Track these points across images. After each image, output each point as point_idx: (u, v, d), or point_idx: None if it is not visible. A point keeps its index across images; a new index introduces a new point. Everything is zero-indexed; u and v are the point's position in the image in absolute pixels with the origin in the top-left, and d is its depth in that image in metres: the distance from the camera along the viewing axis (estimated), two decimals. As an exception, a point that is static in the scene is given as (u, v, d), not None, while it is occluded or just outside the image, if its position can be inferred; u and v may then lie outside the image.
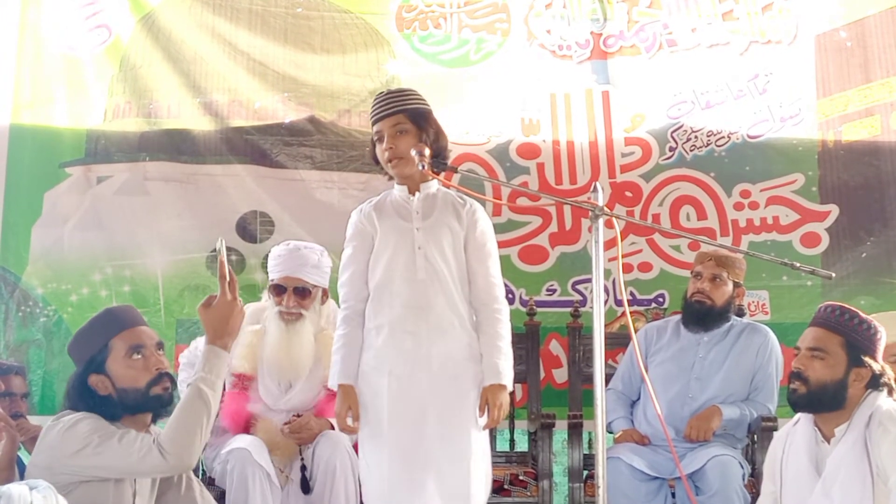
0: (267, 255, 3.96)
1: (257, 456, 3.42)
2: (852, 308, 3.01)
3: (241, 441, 3.50)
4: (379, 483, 3.05)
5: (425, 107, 3.20)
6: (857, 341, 2.94)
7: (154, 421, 2.95)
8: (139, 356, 2.89)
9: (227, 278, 2.84)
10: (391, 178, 3.25)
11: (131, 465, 2.76)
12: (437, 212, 3.19)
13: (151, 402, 2.89)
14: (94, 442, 2.74)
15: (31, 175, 4.79)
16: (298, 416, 3.60)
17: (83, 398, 2.85)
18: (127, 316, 3.00)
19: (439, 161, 3.11)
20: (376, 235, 3.16)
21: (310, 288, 3.71)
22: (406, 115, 3.14)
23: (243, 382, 3.67)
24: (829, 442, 2.95)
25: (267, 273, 3.87)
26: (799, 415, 3.08)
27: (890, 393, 2.96)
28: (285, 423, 3.58)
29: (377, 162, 3.21)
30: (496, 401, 3.04)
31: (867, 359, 2.93)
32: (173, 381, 2.95)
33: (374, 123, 3.17)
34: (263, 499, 3.41)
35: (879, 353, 2.98)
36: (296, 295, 3.68)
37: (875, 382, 2.94)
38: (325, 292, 3.81)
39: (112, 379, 2.86)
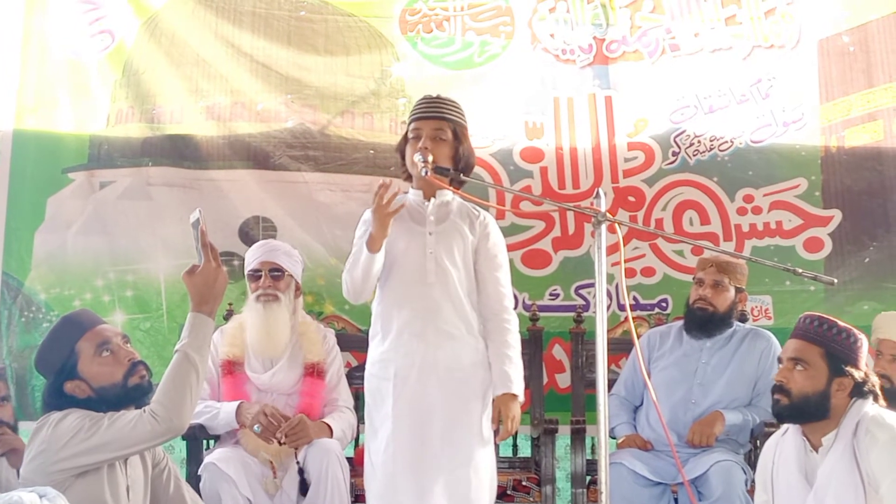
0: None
1: (225, 468, 3.48)
2: (830, 318, 3.00)
3: (213, 455, 3.59)
4: (383, 486, 3.06)
5: (465, 124, 3.25)
6: (837, 351, 2.94)
7: None
8: (108, 352, 2.90)
9: (209, 246, 2.85)
10: (407, 177, 3.26)
11: (125, 437, 2.76)
12: (451, 219, 3.22)
13: (132, 394, 2.90)
14: (86, 426, 2.76)
15: (34, 180, 4.78)
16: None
17: (63, 406, 2.86)
18: (85, 318, 3.01)
19: (442, 168, 3.12)
20: (387, 237, 3.16)
21: (283, 270, 3.88)
22: (449, 124, 3.18)
23: (232, 367, 3.81)
24: (817, 451, 2.95)
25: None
26: (787, 424, 3.08)
27: (875, 399, 2.96)
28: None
29: (403, 158, 3.22)
30: (509, 412, 3.05)
31: (848, 368, 2.93)
32: (148, 369, 2.96)
33: (414, 121, 3.21)
34: None
35: (861, 361, 2.98)
36: (271, 276, 3.85)
37: (859, 390, 2.93)
38: (297, 287, 3.95)
39: (87, 381, 2.87)
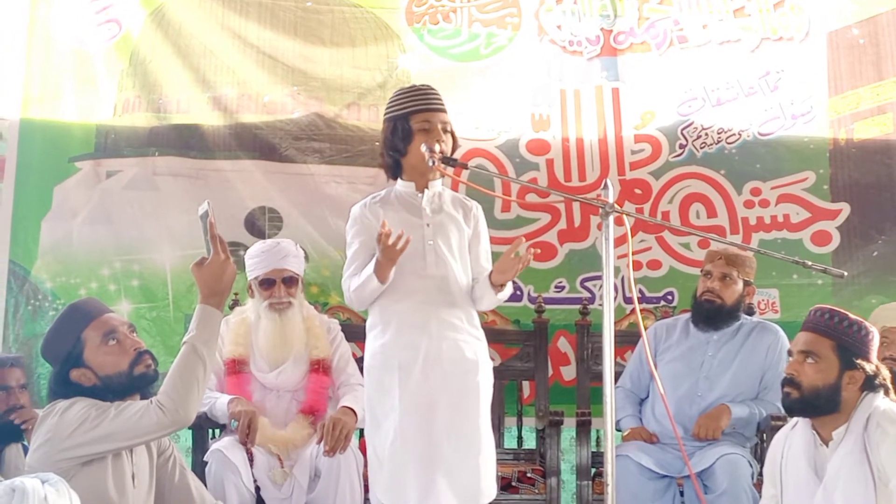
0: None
1: (232, 457, 3.49)
2: (842, 311, 2.98)
3: (220, 443, 3.59)
4: (390, 478, 3.04)
5: None
6: (849, 344, 2.92)
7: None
8: (114, 341, 2.90)
9: (218, 238, 2.84)
10: (392, 171, 3.22)
11: (131, 427, 2.77)
12: (446, 209, 3.20)
13: (137, 383, 2.91)
14: (92, 415, 2.77)
15: (40, 169, 4.78)
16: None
17: (69, 394, 2.86)
18: (92, 307, 3.01)
19: (449, 158, 3.10)
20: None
21: (296, 276, 3.86)
22: (447, 115, 3.16)
23: (237, 366, 3.79)
24: (827, 445, 2.93)
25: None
26: (796, 418, 3.07)
27: (886, 393, 2.93)
28: (319, 440, 3.59)
29: (401, 148, 3.14)
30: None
31: (860, 361, 2.90)
32: (154, 359, 2.97)
33: (417, 112, 3.13)
34: (240, 498, 3.45)
35: (873, 354, 2.95)
36: (285, 285, 3.82)
37: (870, 384, 2.91)
38: (302, 282, 3.94)
39: (93, 369, 2.88)
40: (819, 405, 2.92)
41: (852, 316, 2.97)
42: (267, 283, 3.82)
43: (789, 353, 3.04)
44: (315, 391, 3.79)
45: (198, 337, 2.83)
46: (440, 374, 3.07)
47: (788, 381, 2.96)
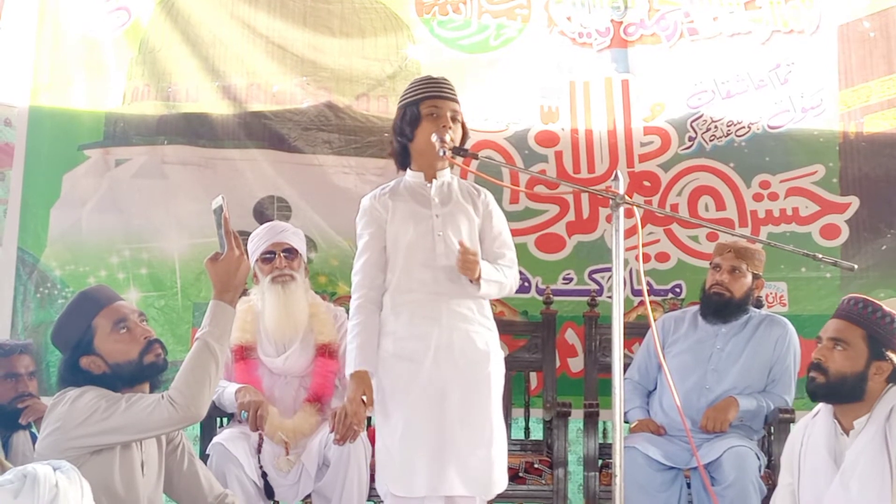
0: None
1: (233, 449, 3.49)
2: (876, 301, 3.00)
3: (221, 435, 3.59)
4: (400, 468, 3.04)
5: None
6: (879, 335, 2.93)
7: (152, 390, 2.96)
8: (125, 329, 2.91)
9: (232, 234, 2.84)
10: (401, 159, 3.21)
11: (141, 421, 2.77)
12: (455, 199, 3.19)
13: (147, 371, 2.92)
14: (102, 407, 2.77)
15: (49, 157, 4.79)
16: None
17: (79, 382, 2.87)
18: (103, 294, 3.01)
19: (459, 148, 3.10)
20: (392, 221, 3.14)
21: (296, 248, 3.88)
22: (459, 106, 3.15)
23: (245, 352, 3.80)
24: (848, 434, 2.95)
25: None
26: (818, 407, 3.07)
27: None
28: (331, 430, 3.55)
29: (408, 133, 3.13)
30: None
31: (889, 352, 2.92)
32: (164, 348, 2.97)
33: (427, 98, 3.13)
34: (243, 490, 3.45)
35: None
36: (285, 256, 3.85)
37: None
38: (305, 266, 3.97)
39: (103, 357, 2.88)
40: (843, 392, 2.94)
41: (886, 307, 2.98)
42: (267, 258, 3.85)
43: (818, 338, 3.04)
44: (322, 375, 3.80)
45: (210, 333, 2.83)
46: (451, 365, 3.07)
47: (815, 367, 2.97)
